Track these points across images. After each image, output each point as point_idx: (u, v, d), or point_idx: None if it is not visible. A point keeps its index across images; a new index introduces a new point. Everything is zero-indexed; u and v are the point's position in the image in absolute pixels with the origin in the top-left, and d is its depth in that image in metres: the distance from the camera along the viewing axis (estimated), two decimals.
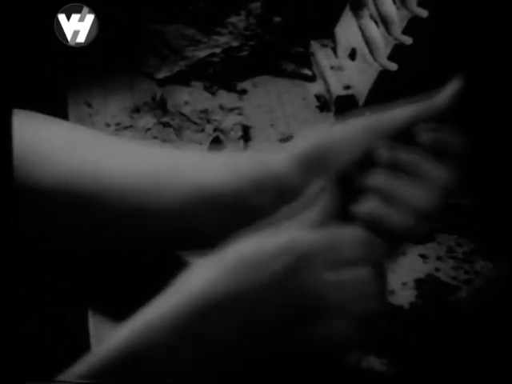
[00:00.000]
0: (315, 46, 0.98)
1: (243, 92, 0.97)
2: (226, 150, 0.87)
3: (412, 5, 0.83)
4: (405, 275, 0.74)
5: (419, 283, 0.73)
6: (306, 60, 0.99)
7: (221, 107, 0.93)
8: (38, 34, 0.87)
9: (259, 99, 0.96)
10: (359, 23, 0.91)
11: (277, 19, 1.01)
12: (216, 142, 0.88)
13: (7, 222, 0.51)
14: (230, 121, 0.91)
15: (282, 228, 0.54)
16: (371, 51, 0.87)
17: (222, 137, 0.89)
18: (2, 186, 0.51)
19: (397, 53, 0.84)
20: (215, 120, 0.91)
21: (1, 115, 0.55)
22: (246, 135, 0.90)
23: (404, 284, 0.73)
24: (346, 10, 0.94)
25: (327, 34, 0.98)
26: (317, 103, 0.95)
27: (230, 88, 0.97)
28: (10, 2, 0.57)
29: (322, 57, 0.96)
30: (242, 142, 0.89)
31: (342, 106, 0.90)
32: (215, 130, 0.90)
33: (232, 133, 0.89)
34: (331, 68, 0.94)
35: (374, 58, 0.86)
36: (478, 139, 0.84)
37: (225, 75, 0.98)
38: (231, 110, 0.92)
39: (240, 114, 0.91)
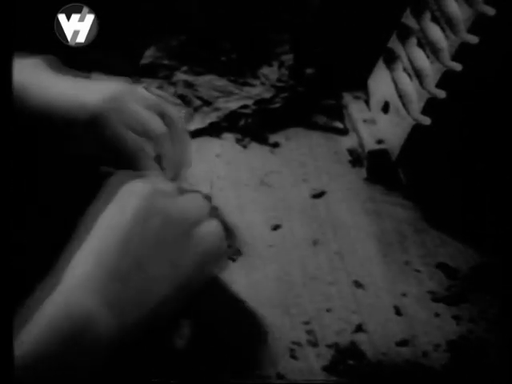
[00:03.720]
0: (348, 98, 1.01)
1: (276, 145, 0.99)
2: None
3: (446, 58, 0.84)
4: (437, 337, 0.75)
5: (452, 345, 0.75)
6: (339, 112, 1.02)
7: None
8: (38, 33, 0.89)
9: (291, 153, 0.98)
10: (392, 76, 0.93)
11: (309, 71, 1.04)
12: None
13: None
14: None
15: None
16: (404, 105, 0.89)
17: None
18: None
19: (430, 106, 0.85)
20: None
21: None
22: None
23: (437, 346, 0.75)
24: (380, 62, 0.97)
25: (360, 87, 1.00)
26: (349, 157, 0.97)
27: (262, 141, 1.00)
28: (11, 2, 0.60)
29: (355, 109, 0.99)
30: None
31: (375, 160, 0.92)
32: None
33: None
34: (364, 121, 0.96)
35: (408, 112, 0.88)
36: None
37: (257, 127, 1.00)
38: None
39: None
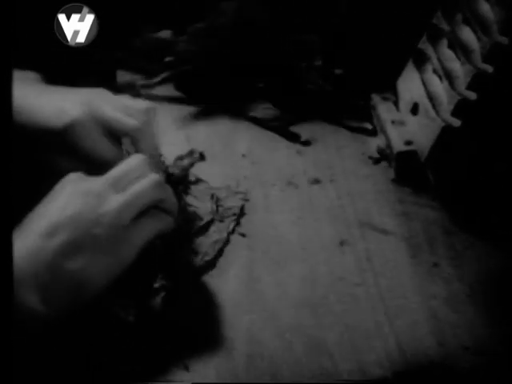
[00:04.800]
0: (376, 99, 1.01)
1: (307, 143, 1.00)
2: None
3: (477, 60, 0.85)
4: (466, 339, 0.75)
5: (481, 348, 0.74)
6: (367, 113, 1.02)
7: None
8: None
9: (318, 153, 0.98)
10: (422, 77, 0.93)
11: (338, 71, 1.04)
12: None
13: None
14: None
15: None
16: (434, 106, 0.89)
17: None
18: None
19: (461, 108, 0.85)
20: None
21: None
22: None
23: (466, 349, 0.75)
24: (409, 63, 0.97)
25: (389, 88, 1.01)
26: (377, 158, 0.97)
27: (290, 140, 1.00)
28: (11, 2, 0.61)
29: (383, 110, 0.99)
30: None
31: (404, 161, 0.92)
32: None
33: None
34: (392, 122, 0.96)
35: (437, 114, 0.88)
36: None
37: (284, 127, 1.01)
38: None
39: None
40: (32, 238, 0.66)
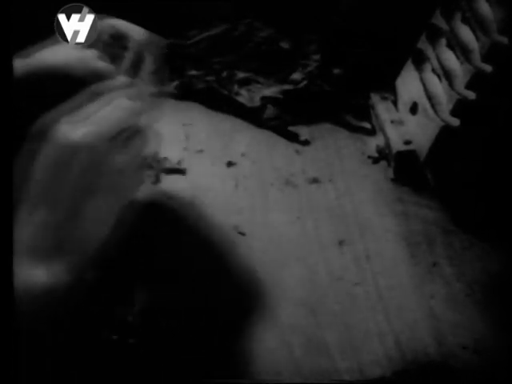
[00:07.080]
0: (375, 98, 1.01)
1: (306, 143, 1.00)
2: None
3: (476, 60, 0.84)
4: (465, 338, 0.76)
5: (480, 347, 0.74)
6: (366, 113, 1.02)
7: None
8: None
9: (317, 153, 0.98)
10: (421, 77, 0.93)
11: (337, 71, 1.04)
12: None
13: None
14: None
15: None
16: (433, 106, 0.89)
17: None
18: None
19: (460, 108, 0.85)
20: None
21: None
22: None
23: (465, 347, 0.75)
24: (408, 63, 0.97)
25: (388, 87, 1.01)
26: (376, 158, 0.97)
27: (289, 139, 1.00)
28: (10, 2, 0.60)
29: (383, 110, 0.99)
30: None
31: (403, 161, 0.92)
32: None
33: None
34: (391, 122, 0.96)
35: (436, 113, 0.88)
36: None
37: (283, 127, 1.01)
38: None
39: None
40: None
